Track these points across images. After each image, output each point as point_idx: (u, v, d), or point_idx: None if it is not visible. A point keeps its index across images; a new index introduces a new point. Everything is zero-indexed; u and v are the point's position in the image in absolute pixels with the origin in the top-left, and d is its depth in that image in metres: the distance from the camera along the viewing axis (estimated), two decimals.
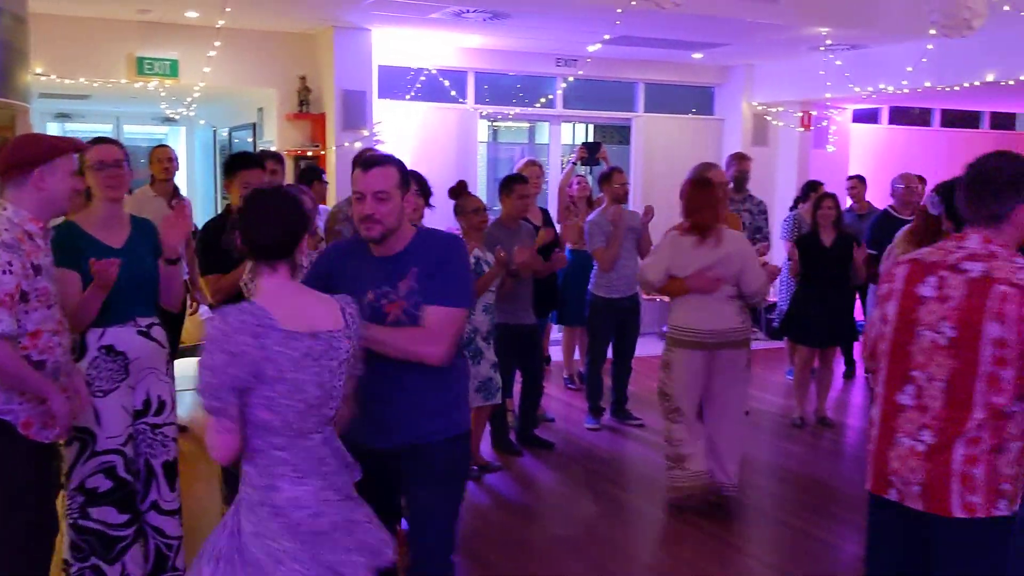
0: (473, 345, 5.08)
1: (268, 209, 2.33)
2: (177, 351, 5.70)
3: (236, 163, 4.19)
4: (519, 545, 4.53)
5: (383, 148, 7.97)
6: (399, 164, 2.81)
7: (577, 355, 7.59)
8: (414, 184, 4.50)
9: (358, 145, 7.54)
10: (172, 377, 3.54)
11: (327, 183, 6.49)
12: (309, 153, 8.17)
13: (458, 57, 9.03)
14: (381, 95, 8.53)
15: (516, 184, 5.69)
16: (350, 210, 5.02)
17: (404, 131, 8.77)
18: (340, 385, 2.38)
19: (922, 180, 6.95)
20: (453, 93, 8.97)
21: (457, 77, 9.13)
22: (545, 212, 6.72)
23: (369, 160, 2.78)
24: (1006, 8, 6.73)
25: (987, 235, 2.46)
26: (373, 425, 2.78)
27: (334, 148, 7.99)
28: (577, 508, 5.03)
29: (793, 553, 4.48)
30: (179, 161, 6.34)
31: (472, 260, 4.91)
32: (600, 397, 6.55)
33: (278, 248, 2.32)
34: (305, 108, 8.22)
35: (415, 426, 2.81)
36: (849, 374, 8.06)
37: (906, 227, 5.02)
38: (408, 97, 8.82)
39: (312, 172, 6.51)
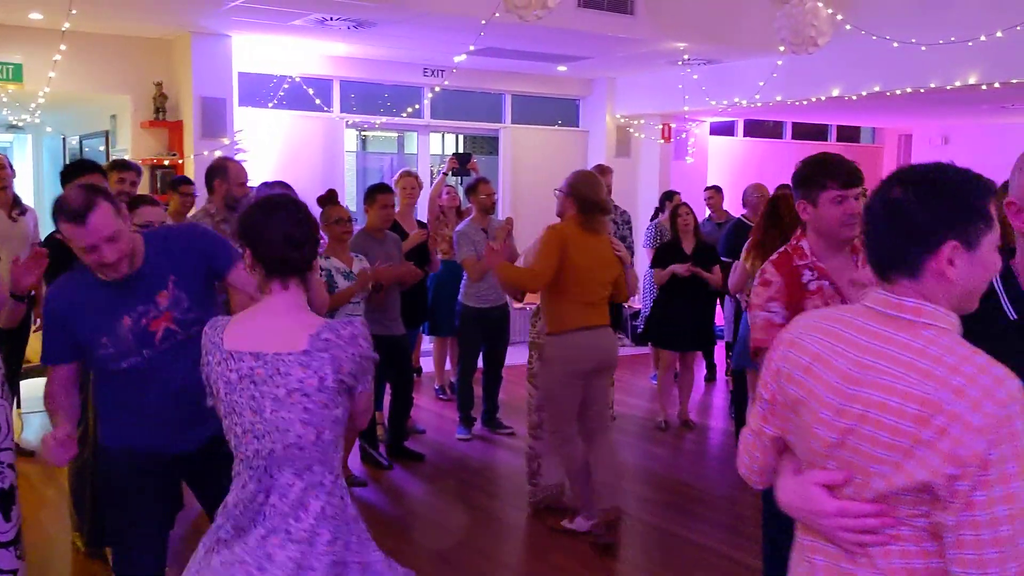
0: None
1: (282, 220, 2.14)
2: (19, 371, 5.37)
3: (73, 171, 4.02)
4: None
5: (244, 157, 7.77)
6: (100, 191, 2.58)
7: (448, 365, 7.58)
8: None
9: (218, 153, 7.31)
10: (9, 399, 3.33)
11: (192, 195, 6.17)
12: (166, 162, 7.87)
13: (323, 65, 8.89)
14: (242, 103, 8.30)
15: (379, 194, 5.63)
16: (208, 221, 4.88)
17: (267, 140, 8.57)
18: (297, 420, 2.08)
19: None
20: (318, 101, 8.82)
21: (322, 85, 8.98)
22: (420, 224, 6.69)
23: (76, 211, 2.49)
24: (848, 27, 7.13)
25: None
26: (171, 428, 2.71)
27: (192, 157, 7.72)
28: (449, 520, 5.00)
29: (662, 554, 4.58)
30: (15, 169, 5.98)
31: (323, 273, 4.83)
32: (471, 407, 6.55)
33: (296, 263, 2.15)
34: (162, 115, 7.91)
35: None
36: (710, 377, 8.34)
37: (748, 241, 5.25)
38: (271, 105, 8.62)
39: (179, 180, 6.30)
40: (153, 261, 2.68)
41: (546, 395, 4.60)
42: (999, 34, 6.52)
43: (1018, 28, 6.38)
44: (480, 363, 6.60)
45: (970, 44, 6.70)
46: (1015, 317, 1.68)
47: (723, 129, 11.82)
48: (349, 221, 5.17)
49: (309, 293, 2.21)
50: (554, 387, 4.47)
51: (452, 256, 6.70)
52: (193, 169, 7.66)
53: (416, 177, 6.68)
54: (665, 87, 9.50)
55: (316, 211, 5.15)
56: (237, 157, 7.55)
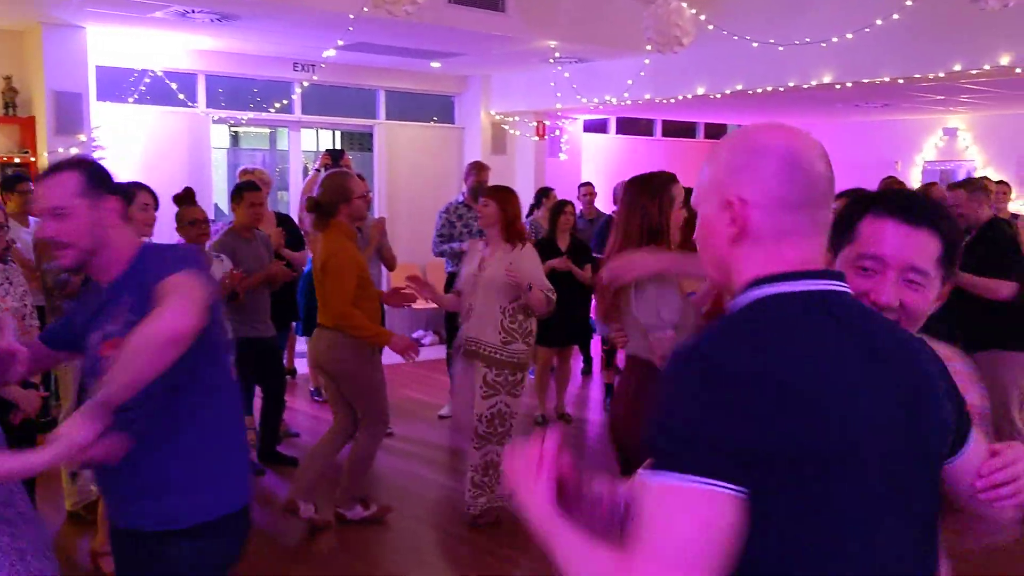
0: None
1: None
2: None
3: None
4: (261, 568, 4.35)
5: (102, 154, 7.43)
6: (84, 167, 2.27)
7: None
8: (142, 194, 4.23)
9: (75, 150, 6.96)
10: None
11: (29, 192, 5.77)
12: (17, 160, 7.44)
13: (187, 59, 8.58)
14: (100, 97, 7.93)
15: (247, 192, 5.48)
16: None
17: (128, 136, 8.21)
18: None
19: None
20: (182, 96, 8.51)
21: (187, 80, 8.67)
22: (284, 217, 6.54)
23: (44, 171, 2.28)
24: (710, 27, 7.34)
25: None
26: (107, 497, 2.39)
27: (46, 154, 7.33)
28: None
29: (540, 549, 4.61)
30: None
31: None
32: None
33: None
34: (11, 111, 7.47)
35: (124, 505, 2.28)
36: (587, 371, 8.47)
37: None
38: (132, 100, 8.26)
39: (15, 179, 5.94)
40: (131, 275, 2.21)
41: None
42: (849, 36, 6.84)
43: (867, 31, 6.71)
44: None
45: (824, 45, 7.00)
46: None
47: (596, 126, 12.01)
48: (205, 222, 4.99)
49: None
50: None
51: None
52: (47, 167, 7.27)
53: (264, 173, 6.52)
54: (538, 85, 9.58)
55: (173, 210, 4.97)
56: (95, 155, 7.22)
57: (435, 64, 9.38)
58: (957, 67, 6.75)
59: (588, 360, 8.45)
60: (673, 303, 3.31)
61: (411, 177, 10.09)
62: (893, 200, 1.62)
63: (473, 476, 4.80)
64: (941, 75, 6.97)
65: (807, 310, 1.25)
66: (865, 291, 1.56)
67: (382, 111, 10.20)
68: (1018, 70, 6.58)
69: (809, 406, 1.16)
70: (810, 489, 1.17)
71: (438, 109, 10.94)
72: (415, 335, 9.55)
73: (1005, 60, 6.48)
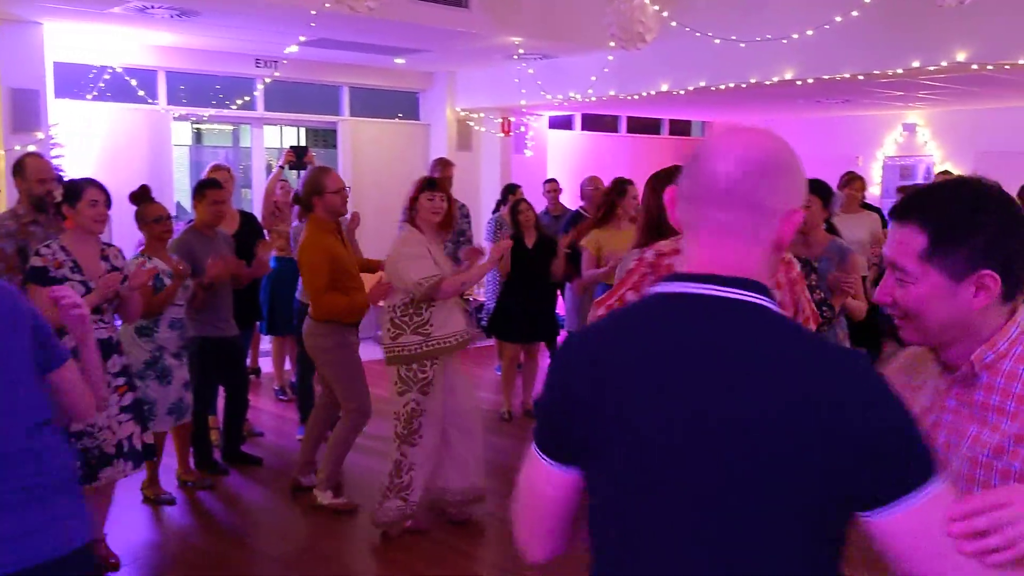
0: (160, 364, 4.78)
1: None
2: None
3: None
4: (227, 570, 4.31)
5: (62, 152, 7.31)
6: None
7: (288, 365, 7.39)
8: (90, 190, 4.16)
9: (32, 148, 6.85)
10: None
11: None
12: None
13: (147, 55, 8.47)
14: (58, 94, 7.80)
15: (208, 190, 5.42)
16: (13, 224, 4.56)
17: (87, 133, 8.08)
18: None
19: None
20: (142, 93, 8.40)
21: (147, 76, 8.55)
22: (248, 215, 6.48)
23: None
24: (673, 24, 7.38)
25: None
26: None
27: (3, 152, 7.20)
28: (290, 525, 4.89)
29: (512, 548, 4.62)
30: None
31: (153, 278, 4.60)
32: (312, 406, 6.40)
33: None
34: None
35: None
36: None
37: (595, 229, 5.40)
38: (90, 97, 8.14)
39: None
40: None
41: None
42: (810, 33, 6.91)
43: (827, 28, 6.78)
44: None
45: (785, 42, 7.06)
46: None
47: (561, 123, 12.03)
48: (169, 219, 4.94)
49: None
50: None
51: (289, 253, 6.54)
52: (3, 166, 7.15)
53: (229, 171, 6.45)
54: (503, 81, 9.58)
55: (132, 209, 4.91)
56: (53, 152, 7.11)
57: (399, 60, 9.35)
58: (915, 64, 6.85)
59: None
60: None
61: (376, 174, 10.04)
62: (902, 199, 1.61)
63: (383, 479, 4.68)
64: (899, 72, 7.06)
65: (650, 311, 1.35)
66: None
67: (346, 107, 10.14)
68: (974, 66, 6.68)
69: (587, 397, 1.34)
70: (591, 471, 1.38)
71: (403, 106, 10.90)
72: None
73: (961, 57, 6.58)
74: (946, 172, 8.43)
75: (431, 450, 4.63)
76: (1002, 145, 10.24)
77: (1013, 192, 6.93)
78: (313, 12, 6.45)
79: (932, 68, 6.88)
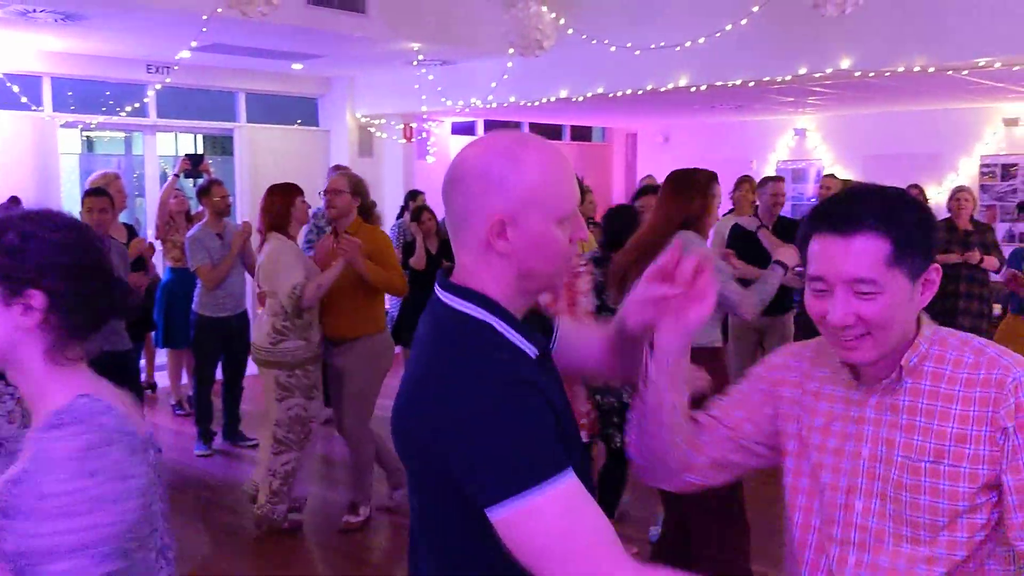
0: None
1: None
2: None
3: None
4: None
5: None
6: None
7: (184, 379, 7.20)
8: None
9: None
10: None
11: None
12: None
13: (32, 60, 8.12)
14: None
15: (87, 197, 5.25)
16: None
17: None
18: None
19: None
20: (25, 100, 8.05)
21: (31, 82, 8.21)
22: (129, 228, 6.29)
23: None
24: (570, 31, 7.47)
25: None
26: None
27: None
28: (189, 544, 4.75)
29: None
30: None
31: None
32: (210, 420, 6.26)
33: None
34: None
35: None
36: None
37: None
38: None
39: None
40: None
41: (367, 391, 4.77)
42: (701, 41, 7.08)
43: (718, 35, 6.96)
44: (219, 374, 6.33)
45: (678, 49, 7.23)
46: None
47: (464, 129, 12.04)
48: None
49: None
50: (375, 383, 4.80)
51: (184, 263, 6.37)
52: None
53: (118, 178, 6.24)
54: (403, 87, 9.53)
55: None
56: None
57: (296, 66, 9.21)
58: (803, 70, 7.09)
59: None
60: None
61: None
62: (824, 212, 1.50)
63: (272, 483, 4.70)
64: (788, 78, 7.30)
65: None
66: (823, 314, 1.48)
67: (243, 114, 9.93)
68: (857, 73, 6.95)
69: None
70: None
71: (302, 111, 10.74)
72: None
73: (846, 64, 6.84)
74: (832, 176, 8.74)
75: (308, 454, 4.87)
76: (887, 148, 10.69)
77: None
78: (205, 17, 6.30)
79: (819, 75, 7.13)
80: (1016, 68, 6.82)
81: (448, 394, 1.30)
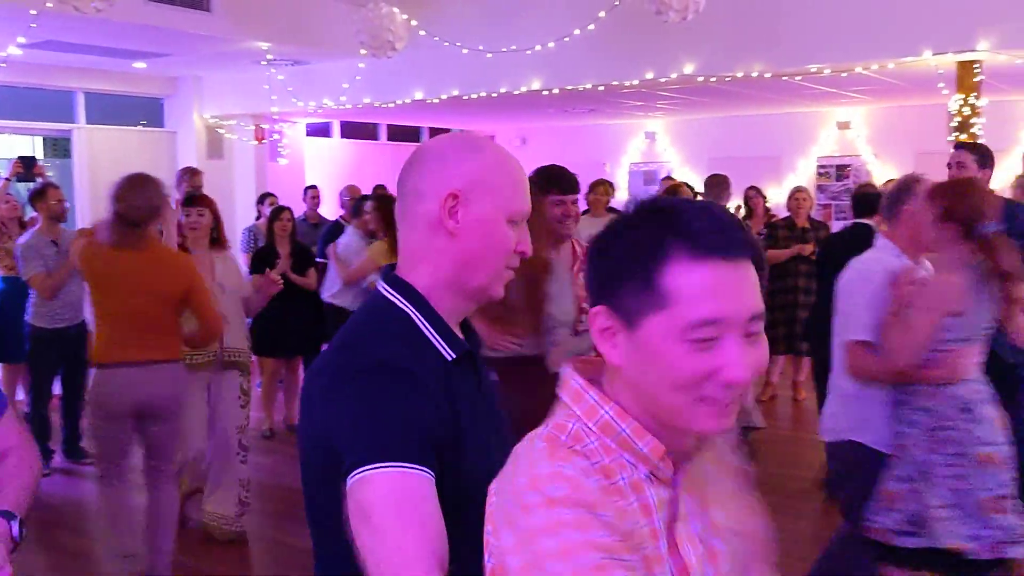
0: None
1: None
2: None
3: None
4: None
5: None
6: None
7: (21, 394, 6.78)
8: None
9: None
10: None
11: None
12: None
13: None
14: None
15: None
16: None
17: None
18: None
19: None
20: None
21: None
22: None
23: None
24: (422, 33, 7.46)
25: None
26: None
27: None
28: (32, 567, 4.48)
29: (278, 569, 4.48)
30: None
31: None
32: (48, 438, 5.94)
33: None
34: None
35: None
36: None
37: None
38: None
39: None
40: None
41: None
42: (551, 45, 7.21)
43: (567, 40, 7.10)
44: (58, 389, 6.00)
45: (529, 53, 7.33)
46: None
47: (319, 130, 11.84)
48: None
49: None
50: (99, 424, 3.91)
51: (16, 272, 6.00)
52: None
53: None
54: (252, 87, 9.29)
55: None
56: None
57: (139, 64, 8.83)
58: (649, 75, 7.32)
59: None
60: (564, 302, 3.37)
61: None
62: (700, 230, 1.03)
63: (240, 493, 4.70)
64: (636, 82, 7.52)
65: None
66: (714, 370, 1.03)
67: (81, 114, 9.44)
68: (700, 78, 7.24)
69: None
70: None
71: (146, 112, 10.30)
72: None
73: (689, 69, 7.11)
74: (669, 179, 9.05)
75: None
76: (731, 151, 11.16)
77: (739, 193, 7.57)
78: (34, 12, 5.96)
79: (664, 79, 7.38)
80: (845, 74, 7.25)
81: (329, 368, 1.36)
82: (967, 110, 6.51)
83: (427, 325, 1.39)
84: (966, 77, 6.50)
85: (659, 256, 1.02)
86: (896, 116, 10.30)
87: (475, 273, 1.41)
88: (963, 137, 6.55)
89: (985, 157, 4.24)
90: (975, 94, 6.50)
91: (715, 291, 1.02)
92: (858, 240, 4.74)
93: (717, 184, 6.22)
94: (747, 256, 1.05)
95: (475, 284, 1.42)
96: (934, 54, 6.30)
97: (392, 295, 1.42)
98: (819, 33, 6.57)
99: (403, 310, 1.39)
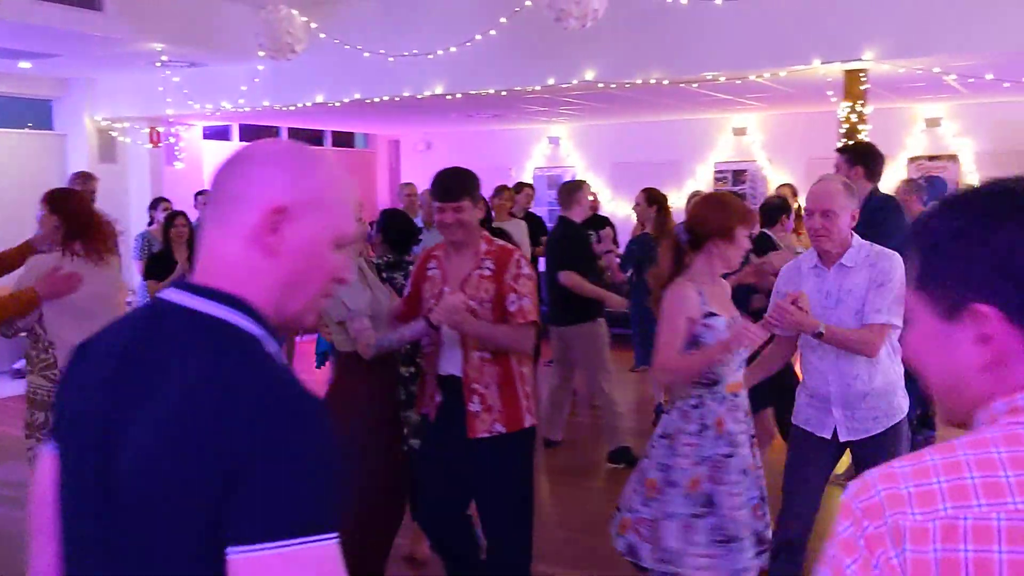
0: None
1: None
2: None
3: None
4: None
5: None
6: None
7: None
8: None
9: None
10: None
11: None
12: None
13: None
14: None
15: None
16: None
17: None
18: None
19: None
20: None
21: None
22: None
23: None
24: (322, 36, 7.37)
25: None
26: None
27: None
28: None
29: None
30: None
31: None
32: None
33: None
34: None
35: None
36: None
37: None
38: None
39: None
40: None
41: None
42: (453, 50, 7.21)
43: (468, 45, 7.11)
44: None
45: (431, 57, 7.32)
46: None
47: (218, 133, 11.56)
48: None
49: None
50: None
51: None
52: None
53: None
54: (147, 89, 9.02)
55: None
56: None
57: (24, 64, 8.47)
58: (551, 81, 7.39)
59: None
60: (359, 294, 3.38)
61: (5, 190, 9.03)
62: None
63: None
64: (538, 88, 7.58)
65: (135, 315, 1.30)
66: None
67: None
68: (600, 85, 7.34)
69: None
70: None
71: (34, 114, 9.90)
72: (16, 365, 8.56)
73: (590, 75, 7.20)
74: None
75: None
76: (633, 156, 11.35)
77: (631, 197, 7.68)
78: None
79: (566, 85, 7.46)
80: (739, 82, 7.46)
81: (243, 413, 1.06)
82: (854, 117, 6.77)
83: (277, 349, 1.21)
84: (853, 85, 6.77)
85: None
86: (789, 123, 10.64)
87: (293, 299, 1.24)
88: (851, 144, 6.82)
89: (855, 156, 4.45)
90: (862, 102, 6.77)
91: None
92: (763, 249, 4.90)
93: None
94: None
95: (291, 311, 1.25)
96: (823, 63, 6.53)
97: (223, 311, 1.18)
98: (714, 42, 6.74)
99: (248, 332, 1.17)
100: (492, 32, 7.00)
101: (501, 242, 3.43)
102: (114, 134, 9.88)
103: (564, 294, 5.75)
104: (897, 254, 3.13)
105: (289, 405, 1.09)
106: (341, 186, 1.27)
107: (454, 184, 3.27)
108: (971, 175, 9.51)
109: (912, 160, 9.89)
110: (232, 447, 1.05)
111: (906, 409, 3.27)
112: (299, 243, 1.21)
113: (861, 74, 6.71)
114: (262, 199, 1.20)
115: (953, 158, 9.70)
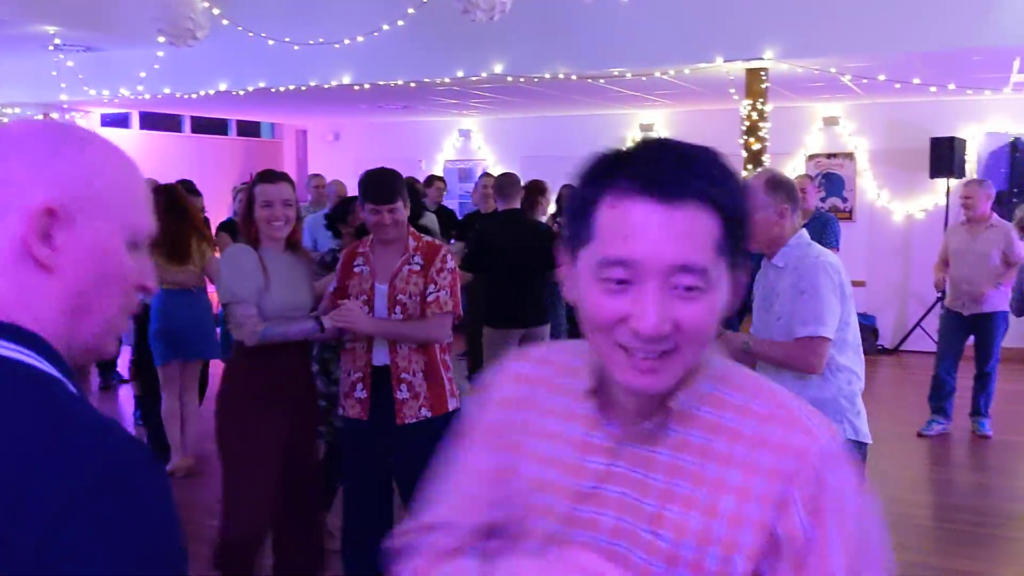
0: None
1: None
2: None
3: None
4: None
5: None
6: None
7: None
8: None
9: None
10: None
11: None
12: None
13: None
14: None
15: None
16: None
17: None
18: None
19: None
20: None
21: None
22: None
23: None
24: (225, 22, 7.19)
25: None
26: None
27: None
28: None
29: None
30: None
31: None
32: None
33: None
34: None
35: None
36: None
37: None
38: None
39: None
40: None
41: None
42: (360, 39, 7.13)
43: (376, 35, 7.04)
44: None
45: (337, 47, 7.21)
46: None
47: (117, 121, 11.19)
48: None
49: None
50: None
51: None
52: None
53: None
54: (39, 74, 8.66)
55: None
56: None
57: None
58: (460, 73, 7.37)
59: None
60: (244, 280, 3.31)
61: None
62: (635, 170, 0.99)
63: None
64: (447, 80, 7.55)
65: None
66: (622, 316, 0.99)
67: None
68: (509, 78, 7.35)
69: None
70: None
71: None
72: None
73: (499, 68, 7.21)
74: (490, 175, 9.17)
75: None
76: (543, 150, 11.40)
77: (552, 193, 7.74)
78: None
79: (475, 78, 7.45)
80: (645, 79, 7.57)
81: (47, 480, 0.81)
82: (755, 115, 6.95)
83: (73, 388, 0.92)
84: (754, 83, 6.95)
85: (599, 191, 1.01)
86: (695, 119, 10.84)
87: (83, 324, 0.96)
88: (752, 140, 7.00)
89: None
90: (762, 100, 6.95)
91: (632, 231, 0.97)
92: None
93: (509, 184, 6.07)
94: (697, 203, 0.97)
95: (83, 339, 0.96)
96: (725, 61, 6.68)
97: (5, 347, 0.89)
98: (619, 38, 6.82)
99: (41, 371, 0.90)
100: (400, 23, 6.94)
101: (428, 238, 3.51)
102: (4, 120, 9.45)
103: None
104: (824, 258, 2.99)
105: (106, 465, 0.83)
106: (124, 171, 0.99)
107: (388, 186, 3.34)
108: (865, 172, 9.86)
109: (811, 157, 10.19)
110: (25, 522, 0.79)
111: (847, 432, 2.95)
112: (82, 252, 0.93)
113: (762, 73, 6.89)
114: (20, 202, 0.91)
115: (849, 156, 10.03)
